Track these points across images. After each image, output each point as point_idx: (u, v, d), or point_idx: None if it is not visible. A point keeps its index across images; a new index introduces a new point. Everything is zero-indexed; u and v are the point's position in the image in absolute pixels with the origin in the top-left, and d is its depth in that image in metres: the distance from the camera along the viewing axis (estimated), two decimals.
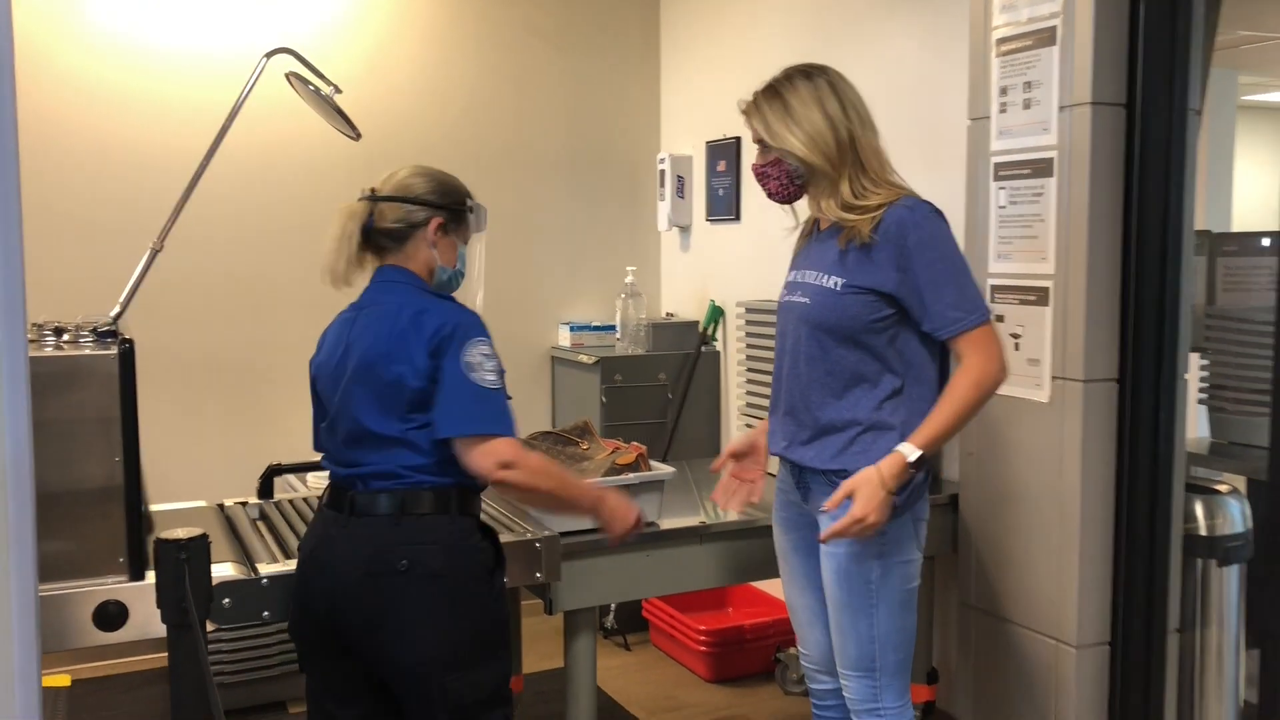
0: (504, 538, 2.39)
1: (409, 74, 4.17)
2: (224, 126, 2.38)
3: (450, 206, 2.16)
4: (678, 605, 3.90)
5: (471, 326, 2.04)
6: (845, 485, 2.12)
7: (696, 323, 4.28)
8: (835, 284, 2.19)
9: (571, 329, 4.39)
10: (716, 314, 4.24)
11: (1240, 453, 3.29)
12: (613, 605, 4.01)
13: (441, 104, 4.23)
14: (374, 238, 2.12)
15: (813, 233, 2.36)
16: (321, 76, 2.58)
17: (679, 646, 3.86)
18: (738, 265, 4.15)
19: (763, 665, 3.74)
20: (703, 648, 3.70)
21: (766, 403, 3.40)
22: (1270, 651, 2.42)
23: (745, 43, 4.07)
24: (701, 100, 4.36)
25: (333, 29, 4.04)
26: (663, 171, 4.46)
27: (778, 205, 2.35)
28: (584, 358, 4.17)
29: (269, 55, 2.52)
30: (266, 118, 3.80)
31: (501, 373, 2.06)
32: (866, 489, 2.09)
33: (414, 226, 2.12)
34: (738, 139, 4.07)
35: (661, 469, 2.71)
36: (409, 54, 4.18)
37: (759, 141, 2.28)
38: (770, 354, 3.37)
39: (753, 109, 2.27)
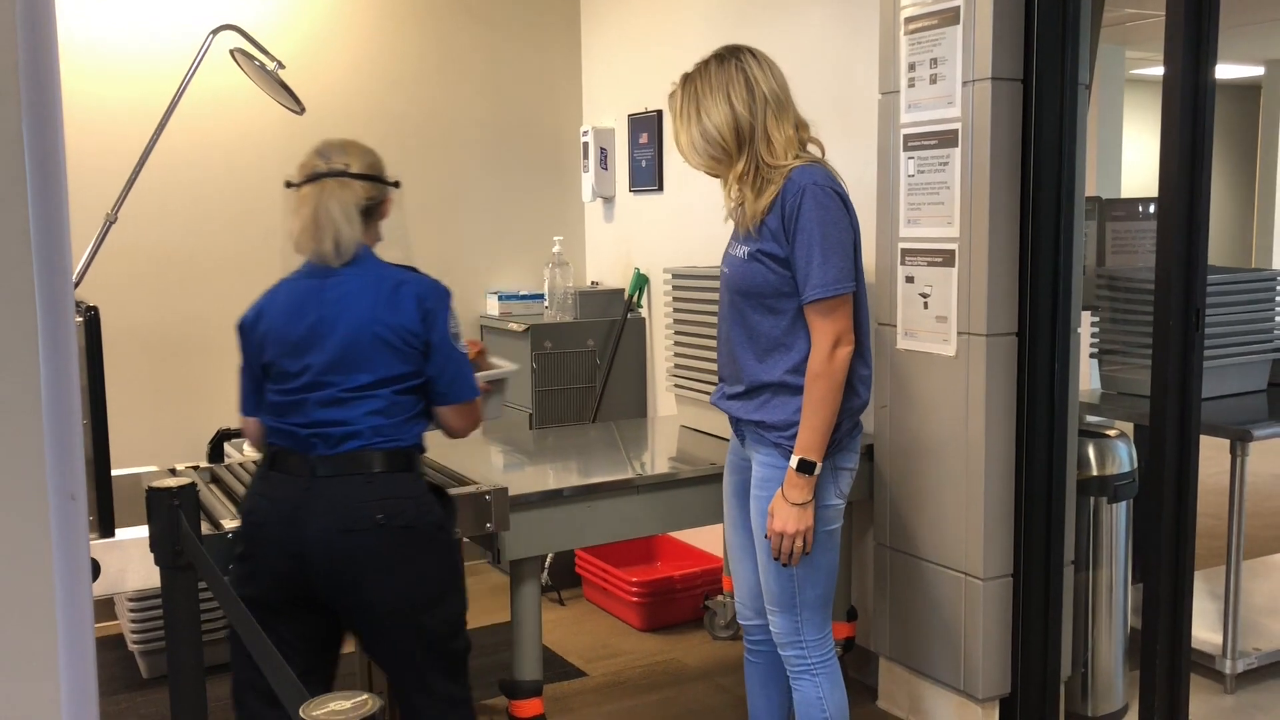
0: (454, 491, 2.53)
1: (339, 51, 4.23)
2: (173, 101, 2.46)
3: (392, 184, 2.28)
4: (610, 560, 4.07)
5: (446, 295, 2.22)
6: (769, 512, 2.36)
7: (622, 290, 4.44)
8: (744, 253, 2.39)
9: (500, 298, 4.51)
10: (641, 282, 4.40)
11: (1128, 402, 3.57)
12: (547, 562, 4.17)
13: (371, 79, 4.30)
14: None
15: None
16: (265, 52, 2.66)
17: (612, 599, 4.03)
18: (661, 234, 4.31)
19: (692, 613, 3.94)
20: (635, 599, 3.88)
21: (693, 364, 3.60)
22: (1152, 585, 2.68)
23: (663, 18, 4.21)
24: (622, 74, 4.49)
25: (268, 6, 4.07)
26: (586, 144, 4.59)
27: (704, 175, 2.51)
28: (514, 325, 4.30)
29: (214, 32, 2.59)
30: (212, 95, 3.83)
31: None
32: (777, 508, 2.34)
33: (380, 204, 2.24)
34: (659, 112, 4.23)
35: (504, 364, 2.70)
36: (339, 31, 4.23)
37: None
38: (697, 318, 3.56)
39: (672, 99, 2.44)
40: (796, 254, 2.30)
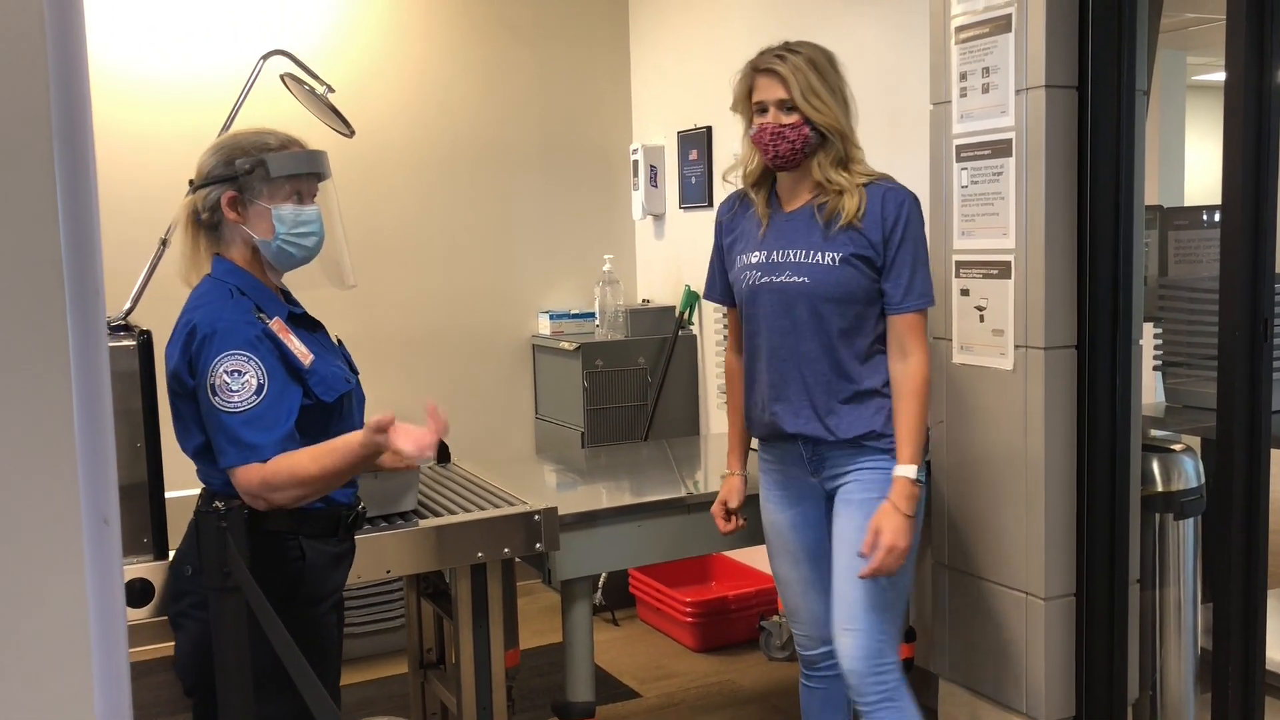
0: (502, 511, 2.51)
1: (388, 74, 4.28)
2: (225, 125, 2.49)
3: (238, 174, 1.92)
4: (664, 580, 4.04)
5: (216, 337, 1.83)
6: (871, 524, 2.30)
7: (673, 308, 4.42)
8: (832, 259, 2.33)
9: (551, 317, 4.52)
10: (692, 299, 4.38)
11: (1193, 415, 3.46)
12: (600, 582, 4.15)
13: (420, 101, 4.34)
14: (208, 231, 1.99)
15: (769, 215, 2.46)
16: (315, 77, 2.69)
17: (666, 619, 4.00)
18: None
19: (747, 634, 3.89)
20: (689, 619, 3.84)
21: None
22: (1223, 604, 2.59)
23: (711, 35, 4.20)
24: (671, 91, 4.49)
25: (316, 31, 4.13)
26: (636, 162, 4.59)
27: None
28: (565, 344, 4.30)
29: (265, 57, 2.63)
30: (263, 119, 3.86)
31: (265, 381, 1.83)
32: (890, 521, 2.28)
33: (217, 209, 1.93)
34: (708, 128, 4.21)
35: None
36: (388, 54, 4.28)
37: (781, 103, 2.31)
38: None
39: (790, 70, 2.29)
40: (898, 261, 2.31)
